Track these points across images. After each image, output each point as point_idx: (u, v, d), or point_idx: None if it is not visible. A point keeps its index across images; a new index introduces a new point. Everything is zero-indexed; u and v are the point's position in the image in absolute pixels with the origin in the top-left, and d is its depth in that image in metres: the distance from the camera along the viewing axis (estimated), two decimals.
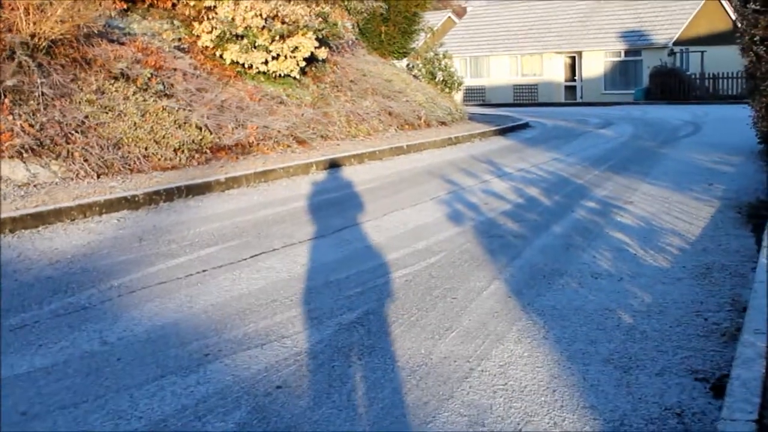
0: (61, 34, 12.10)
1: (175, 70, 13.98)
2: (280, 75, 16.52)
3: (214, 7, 16.20)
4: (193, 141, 12.48)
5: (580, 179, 11.73)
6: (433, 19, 53.55)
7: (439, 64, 23.38)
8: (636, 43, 42.73)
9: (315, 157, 13.23)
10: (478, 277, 6.38)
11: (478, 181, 11.66)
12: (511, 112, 31.60)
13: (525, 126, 22.63)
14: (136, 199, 9.46)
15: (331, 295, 5.90)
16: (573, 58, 45.12)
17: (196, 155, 12.32)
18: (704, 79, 40.69)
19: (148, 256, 7.18)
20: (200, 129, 12.82)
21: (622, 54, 43.53)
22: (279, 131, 14.33)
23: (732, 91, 40.32)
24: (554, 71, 45.25)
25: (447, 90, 23.16)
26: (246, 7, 15.96)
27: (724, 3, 44.88)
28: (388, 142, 16.07)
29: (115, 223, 8.66)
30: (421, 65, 24.61)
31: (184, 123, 12.71)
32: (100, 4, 13.95)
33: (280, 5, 16.31)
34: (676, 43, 41.52)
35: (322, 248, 7.45)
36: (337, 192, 10.85)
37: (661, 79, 39.26)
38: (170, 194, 9.95)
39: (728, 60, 42.41)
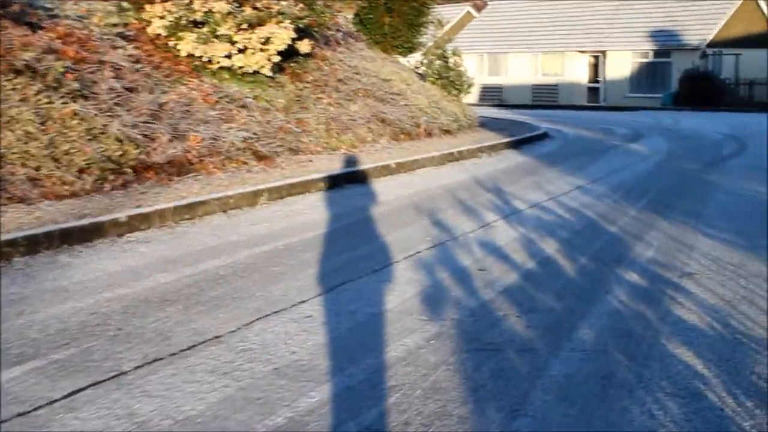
0: None
1: (101, 63, 11.01)
2: (248, 72, 13.56)
3: None
4: (108, 158, 9.57)
5: (612, 224, 8.75)
6: (450, 12, 50.64)
7: (447, 63, 20.32)
8: (665, 44, 39.61)
9: (271, 182, 10.27)
10: None
11: (476, 225, 8.69)
12: (529, 115, 28.60)
13: (543, 136, 19.62)
14: None
15: None
16: (597, 58, 42.08)
17: (111, 177, 9.41)
18: (739, 84, 37.49)
19: None
20: (121, 141, 9.87)
21: (650, 55, 40.46)
22: (233, 144, 11.36)
23: None
24: (576, 71, 42.20)
25: (455, 92, 20.12)
26: None
27: (761, 3, 41.68)
28: (374, 157, 13.10)
29: None
30: (429, 61, 21.53)
31: (101, 133, 9.78)
32: None
33: None
34: (709, 45, 38.40)
35: (196, 375, 4.50)
36: (278, 241, 7.89)
37: (692, 84, 36.13)
38: (35, 244, 7.01)
39: (765, 64, 39.29)
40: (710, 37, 38.71)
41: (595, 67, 42.67)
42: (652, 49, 40.42)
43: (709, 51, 38.61)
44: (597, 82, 42.34)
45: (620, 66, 41.18)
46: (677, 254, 7.39)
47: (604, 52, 41.77)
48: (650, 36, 40.57)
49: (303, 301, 5.88)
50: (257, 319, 5.46)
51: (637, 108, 36.29)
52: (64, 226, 7.42)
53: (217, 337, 5.12)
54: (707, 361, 4.71)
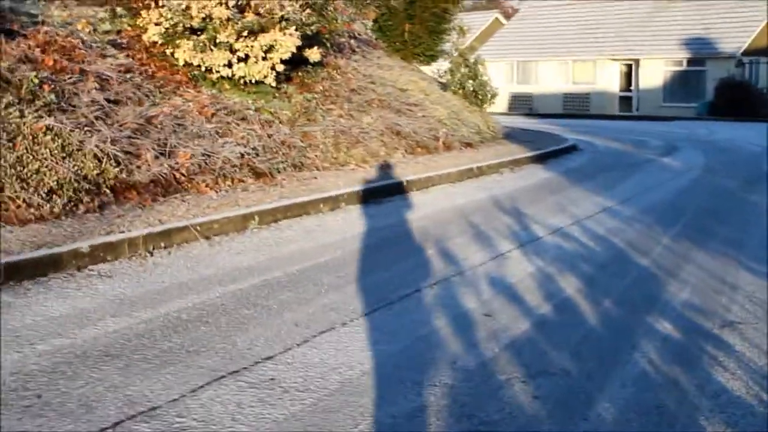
0: None
1: (84, 73, 10.13)
2: (251, 81, 12.63)
3: None
4: (84, 177, 8.66)
5: (643, 256, 7.72)
6: (478, 19, 49.61)
7: (470, 71, 19.32)
8: (700, 52, 38.31)
9: (265, 203, 9.32)
10: None
11: (488, 256, 7.69)
12: (559, 125, 27.57)
13: (571, 149, 18.55)
14: None
15: None
16: (629, 66, 40.85)
17: (86, 199, 8.48)
18: None
19: None
20: (99, 159, 8.96)
21: (684, 63, 39.11)
22: (228, 160, 10.43)
23: None
24: (608, 80, 41.00)
25: (478, 102, 19.11)
26: None
27: None
28: (387, 173, 12.11)
29: None
30: (453, 70, 20.46)
31: (77, 150, 8.87)
32: None
33: None
34: (744, 53, 37.04)
35: None
36: (258, 276, 6.94)
37: (728, 93, 34.86)
38: None
39: None
40: (746, 45, 37.43)
41: (628, 76, 41.48)
42: (686, 57, 39.17)
43: (745, 59, 37.33)
44: (629, 90, 41.14)
45: (653, 74, 39.97)
46: (717, 296, 6.37)
47: (637, 60, 40.57)
48: (684, 43, 39.32)
49: (269, 358, 4.92)
50: (208, 383, 4.52)
51: (672, 118, 35.11)
52: (14, 258, 6.49)
53: (153, 408, 4.19)
54: None
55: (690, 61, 39.10)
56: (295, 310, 5.89)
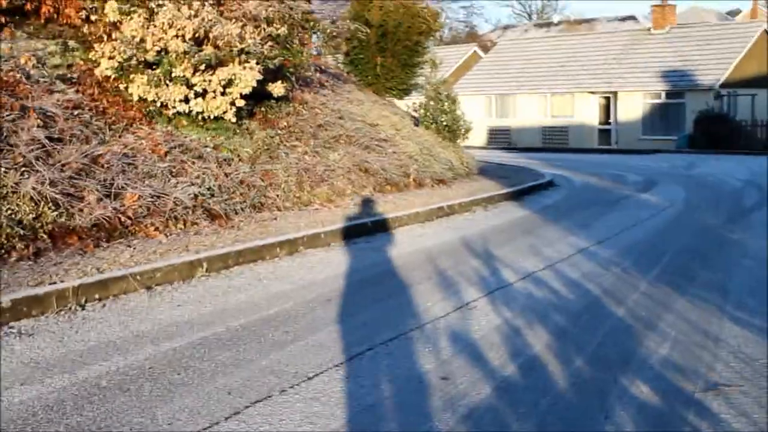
0: None
1: (25, 109, 9.50)
2: (209, 117, 12.04)
3: (120, 23, 11.77)
4: (19, 221, 8.01)
5: (618, 305, 7.14)
6: (456, 53, 49.36)
7: (443, 105, 18.79)
8: (678, 84, 38.02)
9: (216, 249, 8.71)
10: None
11: (452, 305, 7.10)
12: (537, 159, 27.13)
13: (548, 185, 18.00)
14: None
15: None
16: (608, 99, 40.50)
17: (20, 245, 7.83)
18: (756, 126, 35.87)
19: None
20: (36, 203, 8.33)
21: (663, 96, 38.80)
22: (181, 201, 9.81)
23: None
24: (587, 113, 40.63)
25: (452, 137, 18.58)
26: (162, 24, 11.52)
27: None
28: (352, 213, 11.52)
29: None
30: (425, 104, 19.92)
31: (12, 193, 8.24)
32: None
33: (212, 23, 11.86)
34: (723, 86, 36.77)
35: None
36: (199, 331, 6.32)
37: (707, 126, 34.50)
38: None
39: None
40: (724, 78, 37.15)
41: (606, 109, 41.12)
42: (664, 90, 38.86)
43: (724, 92, 37.04)
44: (608, 123, 40.76)
45: (632, 107, 39.63)
46: (699, 351, 5.78)
47: (615, 93, 40.24)
48: (662, 76, 39.03)
49: None
50: None
51: (651, 151, 34.73)
52: None
53: None
54: None
55: (668, 94, 38.80)
56: (230, 374, 5.26)
